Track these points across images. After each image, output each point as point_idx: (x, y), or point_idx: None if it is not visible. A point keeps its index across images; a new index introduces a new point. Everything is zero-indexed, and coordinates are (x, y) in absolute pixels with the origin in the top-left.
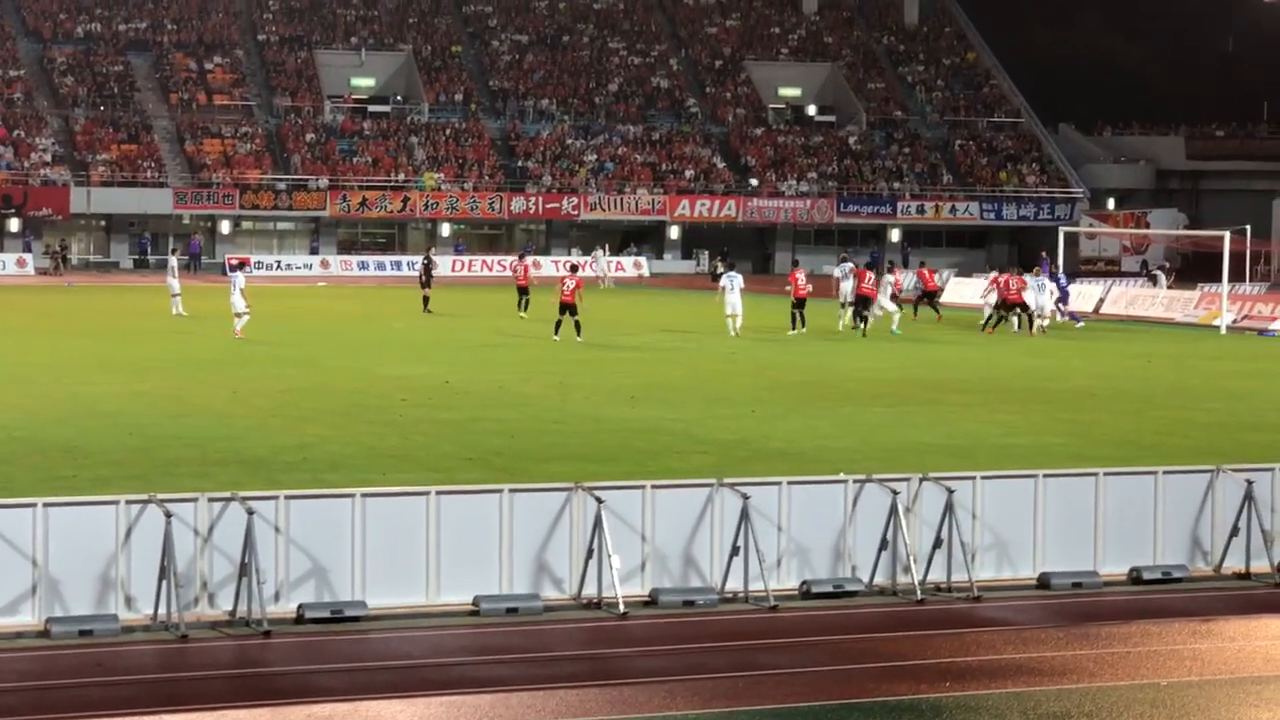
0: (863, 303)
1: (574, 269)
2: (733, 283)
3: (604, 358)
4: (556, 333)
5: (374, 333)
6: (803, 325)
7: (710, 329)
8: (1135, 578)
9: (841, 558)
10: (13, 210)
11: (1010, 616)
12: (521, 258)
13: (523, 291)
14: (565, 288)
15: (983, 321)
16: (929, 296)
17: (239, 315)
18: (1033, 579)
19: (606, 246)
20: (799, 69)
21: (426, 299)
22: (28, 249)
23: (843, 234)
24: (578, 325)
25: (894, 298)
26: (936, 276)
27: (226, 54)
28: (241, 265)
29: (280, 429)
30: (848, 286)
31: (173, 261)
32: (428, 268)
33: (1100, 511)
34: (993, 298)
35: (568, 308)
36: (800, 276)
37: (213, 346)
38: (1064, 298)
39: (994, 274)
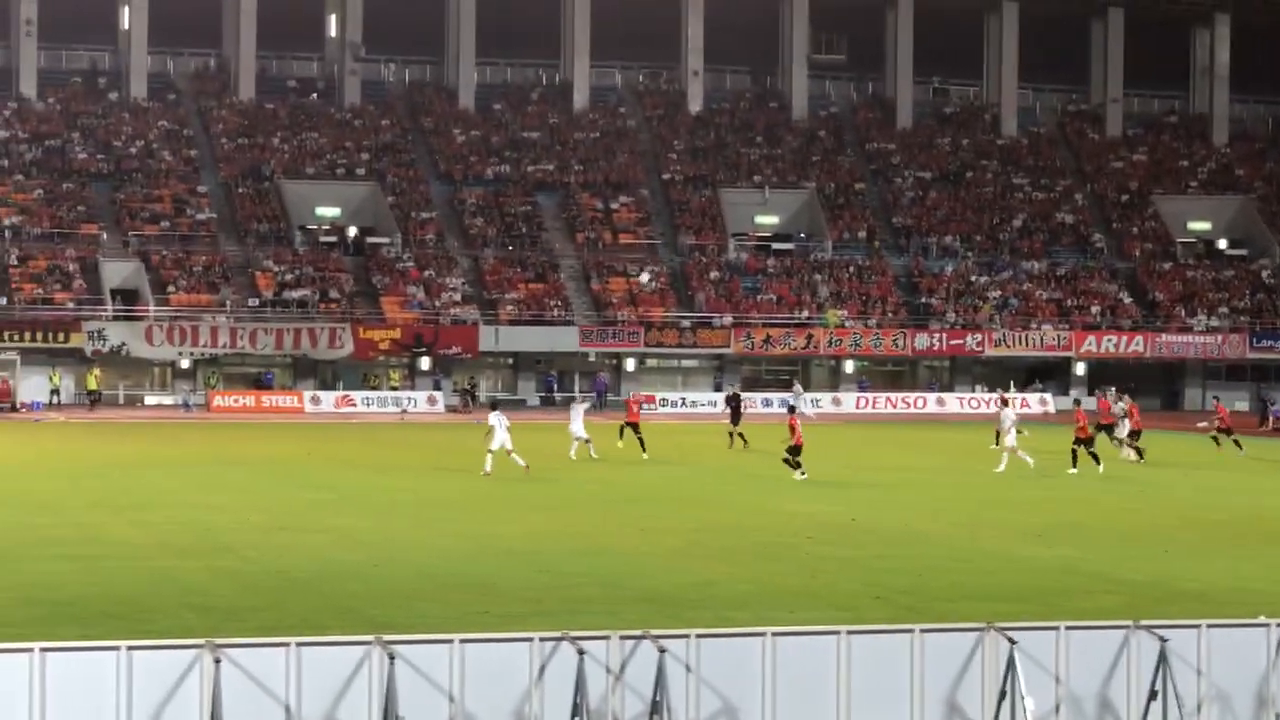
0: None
1: (791, 410)
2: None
3: (1011, 496)
4: (799, 471)
5: (777, 469)
6: (1095, 462)
7: (1116, 465)
8: None
9: (1265, 705)
10: (424, 349)
11: None
12: (632, 396)
13: (634, 428)
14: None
15: None
16: None
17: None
18: None
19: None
20: (1209, 202)
21: (741, 435)
22: (438, 387)
23: (1255, 369)
24: (791, 463)
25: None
26: None
27: (632, 193)
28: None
29: (686, 567)
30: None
31: (580, 408)
32: (736, 407)
33: None
34: None
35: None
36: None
37: (622, 484)
38: None
39: None
